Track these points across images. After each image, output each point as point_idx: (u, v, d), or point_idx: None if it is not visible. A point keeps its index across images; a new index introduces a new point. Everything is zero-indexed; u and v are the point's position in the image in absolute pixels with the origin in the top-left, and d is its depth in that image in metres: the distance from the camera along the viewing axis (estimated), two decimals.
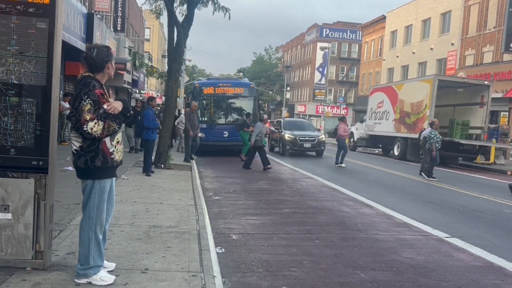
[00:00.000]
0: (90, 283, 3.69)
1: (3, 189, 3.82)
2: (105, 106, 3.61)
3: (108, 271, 3.91)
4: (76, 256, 4.01)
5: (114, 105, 3.65)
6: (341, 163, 16.41)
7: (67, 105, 13.75)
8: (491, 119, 23.58)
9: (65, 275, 3.85)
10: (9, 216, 3.83)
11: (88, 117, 3.51)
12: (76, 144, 3.66)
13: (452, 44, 32.02)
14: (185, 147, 15.50)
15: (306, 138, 20.74)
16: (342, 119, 18.17)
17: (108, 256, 4.25)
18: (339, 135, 17.19)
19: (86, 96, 3.55)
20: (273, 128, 23.87)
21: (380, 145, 26.27)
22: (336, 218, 7.58)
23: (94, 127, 3.52)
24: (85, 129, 3.51)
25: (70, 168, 9.26)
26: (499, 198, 10.66)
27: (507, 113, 26.60)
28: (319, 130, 29.81)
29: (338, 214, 7.96)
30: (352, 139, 29.18)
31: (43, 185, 3.88)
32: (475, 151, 20.22)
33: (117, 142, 3.77)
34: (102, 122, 3.55)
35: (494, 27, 27.99)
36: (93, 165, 3.63)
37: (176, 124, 17.71)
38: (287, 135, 20.73)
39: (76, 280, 3.72)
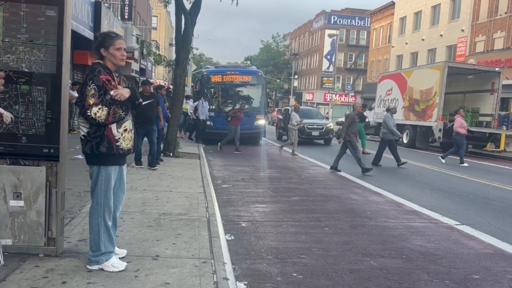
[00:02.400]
0: (102, 269, 3.72)
1: (15, 176, 3.85)
2: (111, 93, 3.61)
3: (119, 258, 3.95)
4: (87, 243, 4.05)
5: (121, 92, 3.65)
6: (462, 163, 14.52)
7: (75, 93, 13.79)
8: (502, 106, 23.34)
9: (77, 261, 3.90)
10: (21, 203, 3.88)
11: (91, 102, 3.51)
12: (83, 130, 3.67)
13: (462, 30, 31.59)
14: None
15: (314, 126, 20.69)
16: (458, 111, 16.08)
17: (119, 243, 4.29)
18: (455, 130, 14.82)
19: (91, 81, 3.56)
20: (280, 117, 23.81)
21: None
22: (345, 206, 7.57)
23: (98, 112, 3.52)
24: (88, 114, 3.52)
25: (80, 156, 9.33)
26: (509, 186, 10.59)
27: None
28: (327, 118, 29.70)
29: (347, 201, 7.96)
30: None
31: (54, 172, 3.91)
32: (485, 138, 20.05)
33: (125, 130, 3.75)
34: (106, 108, 3.55)
35: (505, 13, 27.55)
36: (98, 151, 3.64)
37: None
38: None
39: (88, 267, 3.76)
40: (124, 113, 3.66)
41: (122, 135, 3.73)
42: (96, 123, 3.58)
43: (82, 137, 3.70)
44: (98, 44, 3.73)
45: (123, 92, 3.66)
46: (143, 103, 9.72)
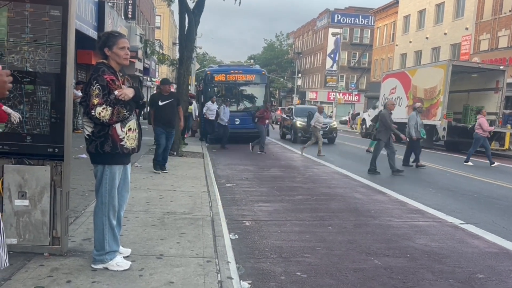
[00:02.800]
0: (106, 268, 3.74)
1: (20, 176, 3.87)
2: (116, 92, 3.62)
3: (124, 257, 3.96)
4: (92, 242, 4.06)
5: (125, 92, 3.65)
6: (492, 163, 14.46)
7: (79, 93, 13.83)
8: (506, 105, 23.22)
9: (81, 260, 3.91)
10: (26, 202, 3.89)
11: (95, 102, 3.52)
12: (88, 129, 3.69)
13: (467, 28, 31.46)
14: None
15: None
16: (481, 111, 15.85)
17: (124, 242, 4.30)
18: (477, 131, 14.68)
19: (95, 81, 3.57)
20: (284, 115, 23.78)
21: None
22: (349, 205, 7.56)
23: (102, 112, 3.53)
24: (93, 113, 3.53)
25: (84, 155, 9.36)
26: None
27: None
28: (330, 117, 29.67)
29: (351, 200, 7.95)
30: (364, 126, 29.02)
31: (59, 172, 3.93)
32: (490, 137, 19.94)
33: (129, 129, 3.75)
34: (110, 108, 3.56)
35: (510, 11, 27.40)
36: (103, 150, 3.65)
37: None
38: (299, 122, 20.72)
39: (92, 266, 3.77)
40: (128, 112, 3.67)
41: (126, 134, 3.74)
42: (100, 123, 3.59)
43: (87, 137, 3.72)
44: (101, 43, 3.73)
45: (127, 92, 3.67)
46: (163, 103, 8.96)
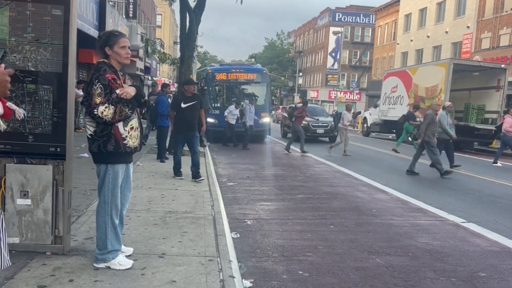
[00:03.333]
0: (108, 267, 3.74)
1: (22, 175, 3.87)
2: (117, 91, 3.62)
3: (126, 256, 3.96)
4: (94, 241, 4.07)
5: (127, 90, 3.66)
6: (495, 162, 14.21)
7: (80, 92, 13.84)
8: (508, 103, 23.18)
9: (84, 259, 3.92)
10: (28, 202, 3.90)
11: (98, 101, 3.53)
12: (90, 129, 3.69)
13: (468, 27, 31.41)
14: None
15: (319, 124, 20.67)
16: (509, 110, 14.84)
17: (126, 241, 4.31)
18: (504, 131, 14.11)
19: (97, 81, 3.57)
20: (285, 114, 23.75)
21: (394, 130, 26.05)
22: (351, 204, 7.56)
23: (104, 111, 3.54)
24: (95, 113, 3.54)
25: (86, 155, 9.36)
26: None
27: None
28: (331, 115, 29.64)
29: (353, 199, 7.95)
30: (365, 125, 29.01)
31: (61, 171, 3.94)
32: (491, 135, 19.94)
33: (131, 128, 3.76)
34: (113, 107, 3.57)
35: (511, 9, 27.34)
36: (105, 149, 3.66)
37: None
38: None
39: (95, 265, 3.77)
40: (130, 111, 3.68)
41: (129, 133, 3.74)
42: (103, 122, 3.59)
43: (89, 136, 3.72)
44: (102, 43, 3.74)
45: (129, 91, 3.67)
46: (185, 105, 8.24)
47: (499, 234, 5.94)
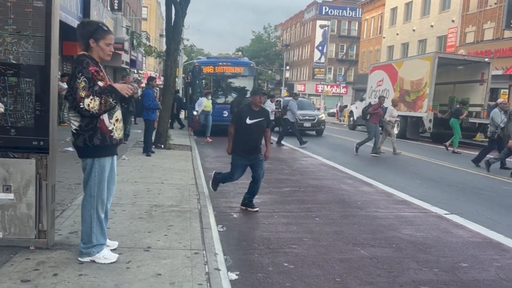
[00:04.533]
0: (93, 261, 3.73)
1: (4, 169, 3.83)
2: (100, 84, 3.60)
3: (111, 250, 3.95)
4: (79, 235, 4.05)
5: (126, 88, 3.76)
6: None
7: (65, 85, 13.65)
8: (491, 97, 23.50)
9: (68, 253, 3.90)
10: (11, 196, 3.86)
11: (83, 94, 3.51)
12: (75, 123, 3.66)
13: (453, 21, 31.70)
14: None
15: (306, 118, 20.71)
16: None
17: (111, 235, 4.29)
18: None
19: (80, 74, 3.54)
20: (274, 107, 23.68)
21: (380, 124, 26.22)
22: (336, 196, 7.62)
23: (90, 103, 3.51)
24: (82, 106, 3.51)
25: (70, 148, 9.27)
26: (498, 176, 10.70)
27: (507, 90, 26.48)
28: (319, 109, 29.73)
29: (338, 192, 8.01)
30: (351, 118, 29.17)
31: (44, 165, 3.89)
32: (475, 128, 20.24)
33: (116, 120, 3.76)
34: (98, 98, 3.55)
35: (495, 3, 27.64)
36: (92, 143, 3.63)
37: None
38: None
39: (79, 259, 3.76)
40: (114, 101, 3.65)
41: (114, 125, 3.74)
42: (90, 115, 3.56)
43: (74, 131, 3.68)
44: (87, 33, 3.68)
45: (124, 88, 3.74)
46: (251, 121, 6.36)
47: (481, 226, 6.04)
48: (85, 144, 3.64)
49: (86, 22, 3.84)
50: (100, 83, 3.61)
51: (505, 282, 4.19)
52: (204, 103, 16.66)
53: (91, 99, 3.51)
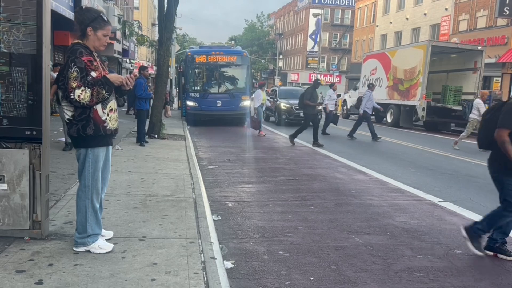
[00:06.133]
0: (88, 251, 3.72)
1: None
2: (93, 74, 3.56)
3: (106, 239, 3.94)
4: (73, 225, 4.03)
5: (122, 79, 3.72)
6: None
7: (55, 75, 13.53)
8: (484, 85, 23.62)
9: (63, 244, 3.88)
10: (4, 186, 3.83)
11: (74, 85, 3.47)
12: (68, 113, 3.63)
13: (446, 9, 31.67)
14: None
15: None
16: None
17: (106, 225, 4.28)
18: None
19: (72, 64, 3.50)
20: (268, 97, 23.66)
21: (373, 113, 26.28)
22: (331, 185, 7.65)
23: (81, 94, 3.48)
24: (72, 97, 3.47)
25: (63, 139, 9.21)
26: None
27: (499, 79, 26.61)
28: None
29: (332, 181, 8.03)
30: (345, 107, 29.18)
31: (37, 155, 3.86)
32: (468, 117, 20.30)
33: (110, 110, 3.72)
34: (89, 90, 3.50)
35: None
36: (85, 133, 3.61)
37: None
38: (283, 104, 20.37)
39: (74, 249, 3.75)
40: (107, 93, 3.62)
41: (108, 115, 3.70)
42: (80, 106, 3.53)
43: (67, 121, 3.66)
44: (86, 20, 3.62)
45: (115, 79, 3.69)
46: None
47: (474, 212, 6.09)
48: (79, 134, 3.61)
49: (86, 8, 3.77)
50: (94, 74, 3.56)
51: (499, 268, 4.23)
52: (262, 96, 16.04)
53: (82, 90, 3.47)
